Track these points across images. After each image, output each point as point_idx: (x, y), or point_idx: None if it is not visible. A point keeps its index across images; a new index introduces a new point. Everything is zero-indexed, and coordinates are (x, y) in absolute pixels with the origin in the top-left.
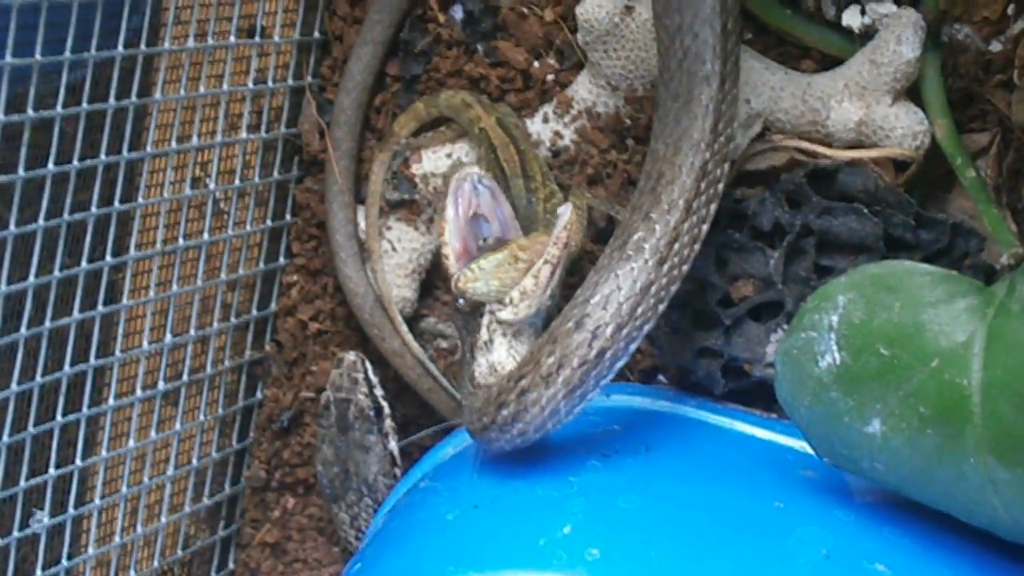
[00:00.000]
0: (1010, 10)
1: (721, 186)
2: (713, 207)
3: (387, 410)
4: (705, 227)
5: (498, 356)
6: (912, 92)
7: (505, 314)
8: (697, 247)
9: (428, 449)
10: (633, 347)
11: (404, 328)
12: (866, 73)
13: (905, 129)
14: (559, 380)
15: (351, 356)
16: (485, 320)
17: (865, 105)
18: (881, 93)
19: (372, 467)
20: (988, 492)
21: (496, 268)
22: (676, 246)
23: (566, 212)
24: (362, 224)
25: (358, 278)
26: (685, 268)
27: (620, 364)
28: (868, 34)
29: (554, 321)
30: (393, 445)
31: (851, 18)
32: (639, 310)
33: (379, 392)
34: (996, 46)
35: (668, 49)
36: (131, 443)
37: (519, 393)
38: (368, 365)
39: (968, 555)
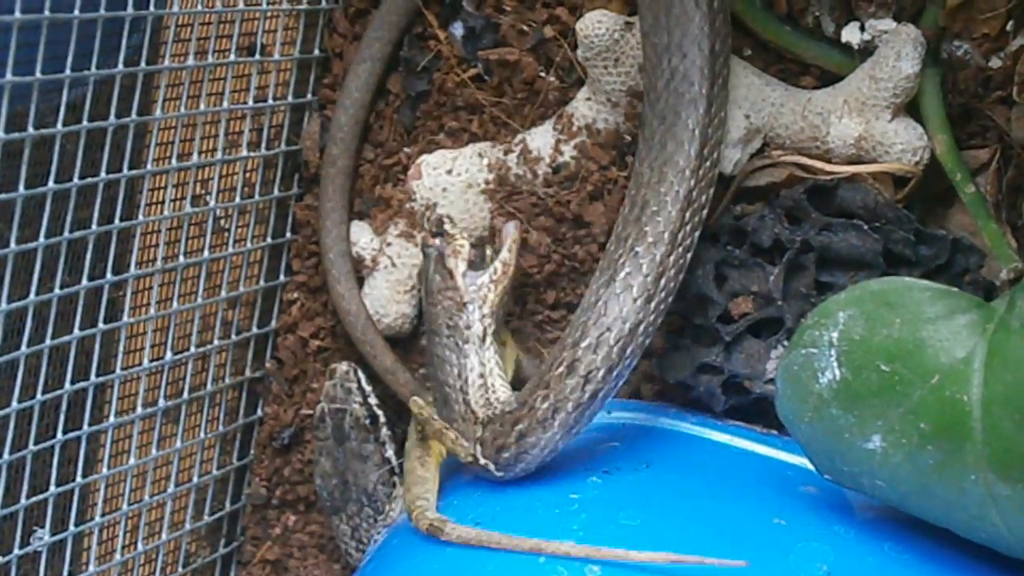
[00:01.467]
0: (1009, 26)
1: (705, 212)
2: (697, 234)
3: (383, 418)
4: (689, 255)
5: (478, 373)
6: (912, 108)
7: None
8: (681, 276)
9: None
10: (622, 381)
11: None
12: (866, 89)
13: (905, 145)
14: (555, 424)
15: (344, 366)
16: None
17: (865, 121)
18: (880, 109)
19: (371, 476)
20: (988, 508)
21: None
22: (663, 281)
23: (512, 230)
24: (357, 242)
25: (351, 296)
26: (671, 300)
27: (611, 396)
28: (867, 50)
29: (544, 364)
30: (391, 453)
31: (850, 34)
32: (628, 350)
33: (373, 401)
34: (996, 62)
35: (655, 68)
36: (132, 460)
37: (518, 437)
38: (361, 375)
39: (968, 571)
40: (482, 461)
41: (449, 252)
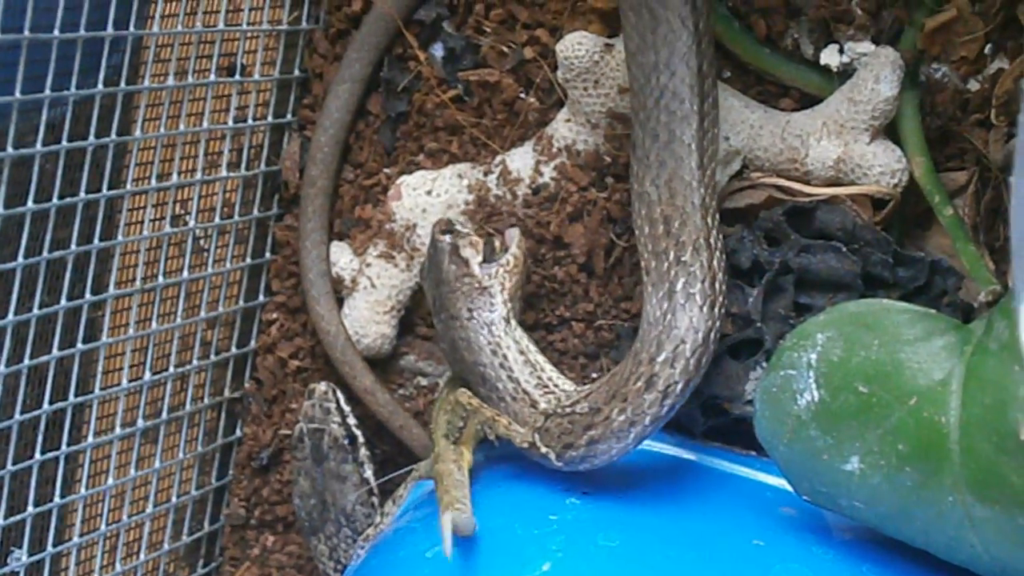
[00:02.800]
0: (987, 49)
1: (718, 217)
2: (722, 237)
3: (361, 439)
4: (724, 258)
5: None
6: (890, 130)
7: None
8: (726, 279)
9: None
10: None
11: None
12: (844, 111)
13: (883, 167)
14: (631, 436)
15: (322, 386)
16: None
17: (843, 143)
18: (859, 131)
19: (349, 497)
20: (966, 530)
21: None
22: (717, 285)
23: (516, 233)
24: (336, 263)
25: (330, 316)
26: (726, 303)
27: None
28: (846, 73)
29: (617, 375)
30: (369, 474)
31: (829, 57)
32: (703, 360)
33: (352, 421)
34: (974, 85)
35: (644, 87)
36: (110, 480)
37: (589, 442)
38: (340, 395)
39: None
40: (543, 449)
41: (464, 244)
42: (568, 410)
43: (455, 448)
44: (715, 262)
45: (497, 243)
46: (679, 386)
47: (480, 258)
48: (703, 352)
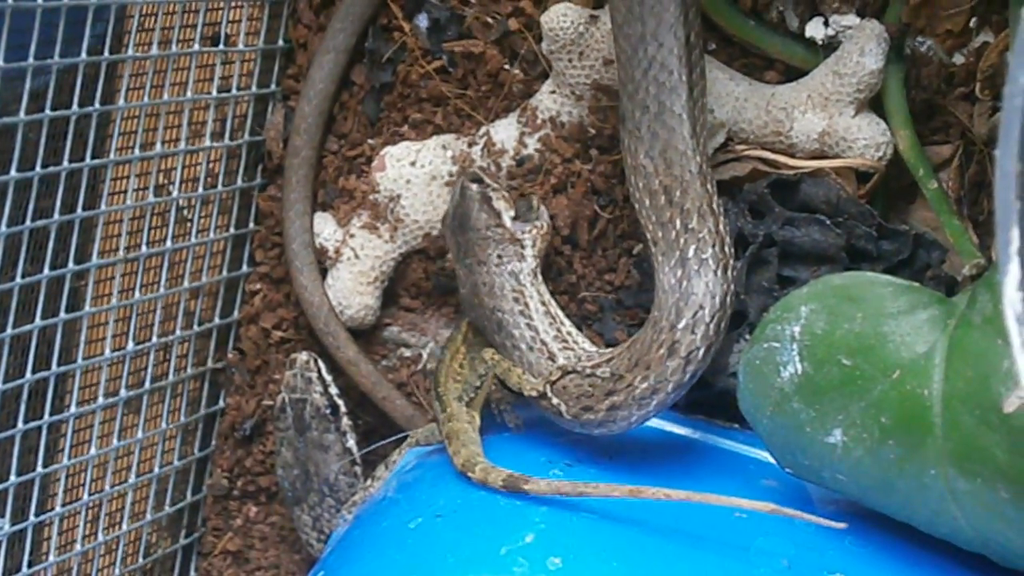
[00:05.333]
0: (972, 23)
1: (715, 183)
2: (721, 204)
3: (343, 408)
4: (727, 223)
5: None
6: (875, 104)
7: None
8: (732, 243)
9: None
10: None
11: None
12: (829, 84)
13: (868, 140)
14: (653, 403)
15: (303, 356)
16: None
17: (828, 116)
18: (844, 104)
19: (332, 466)
20: (948, 503)
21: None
22: (726, 248)
23: (544, 215)
24: (320, 233)
25: (313, 287)
26: (737, 267)
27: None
28: (831, 46)
29: (637, 342)
30: (352, 443)
31: (814, 30)
32: (722, 325)
33: (334, 390)
34: (959, 59)
35: (631, 59)
36: (93, 451)
37: (609, 407)
38: (321, 364)
39: (929, 565)
40: (554, 401)
41: (496, 196)
42: (589, 371)
43: (468, 410)
44: (721, 226)
45: (533, 202)
46: (700, 351)
47: (512, 213)
48: (721, 316)
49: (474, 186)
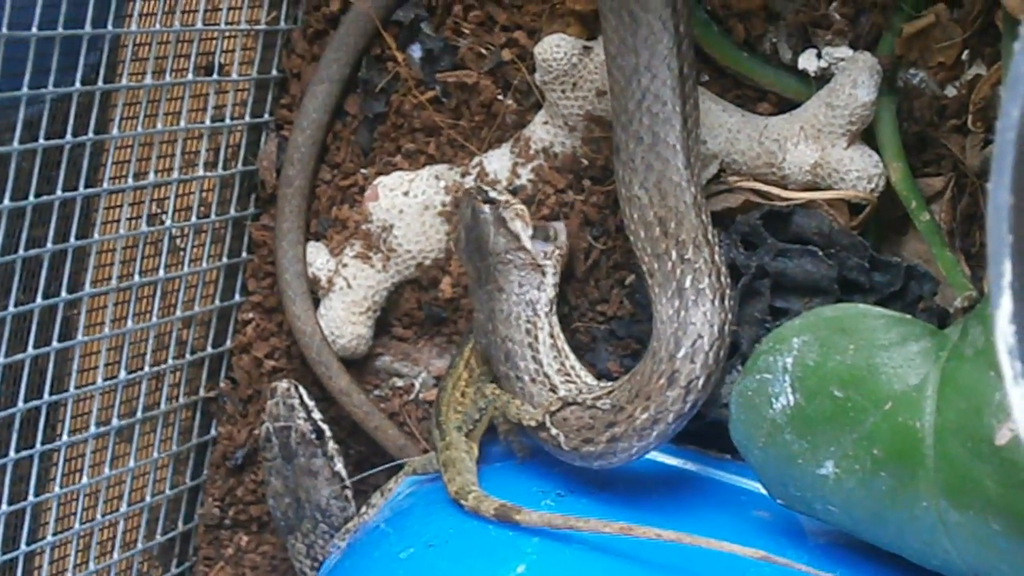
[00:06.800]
0: (964, 56)
1: (709, 214)
2: (716, 233)
3: (328, 432)
4: (722, 253)
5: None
6: (867, 136)
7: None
8: (728, 272)
9: (379, 487)
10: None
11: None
12: (822, 116)
13: (860, 172)
14: (653, 434)
15: (284, 384)
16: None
17: (820, 148)
18: (836, 136)
19: (323, 491)
20: (940, 534)
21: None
22: (723, 278)
23: (563, 230)
24: (312, 263)
25: (306, 317)
26: (734, 297)
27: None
28: (824, 78)
29: (637, 374)
30: (340, 467)
31: (807, 62)
32: (721, 354)
33: (317, 415)
34: (951, 91)
35: (625, 90)
36: (84, 479)
37: (610, 439)
38: (302, 390)
39: None
40: (553, 431)
41: (510, 215)
42: (589, 403)
43: (466, 440)
44: (716, 256)
45: (550, 230)
46: (700, 380)
47: (530, 231)
48: (720, 345)
49: (487, 208)
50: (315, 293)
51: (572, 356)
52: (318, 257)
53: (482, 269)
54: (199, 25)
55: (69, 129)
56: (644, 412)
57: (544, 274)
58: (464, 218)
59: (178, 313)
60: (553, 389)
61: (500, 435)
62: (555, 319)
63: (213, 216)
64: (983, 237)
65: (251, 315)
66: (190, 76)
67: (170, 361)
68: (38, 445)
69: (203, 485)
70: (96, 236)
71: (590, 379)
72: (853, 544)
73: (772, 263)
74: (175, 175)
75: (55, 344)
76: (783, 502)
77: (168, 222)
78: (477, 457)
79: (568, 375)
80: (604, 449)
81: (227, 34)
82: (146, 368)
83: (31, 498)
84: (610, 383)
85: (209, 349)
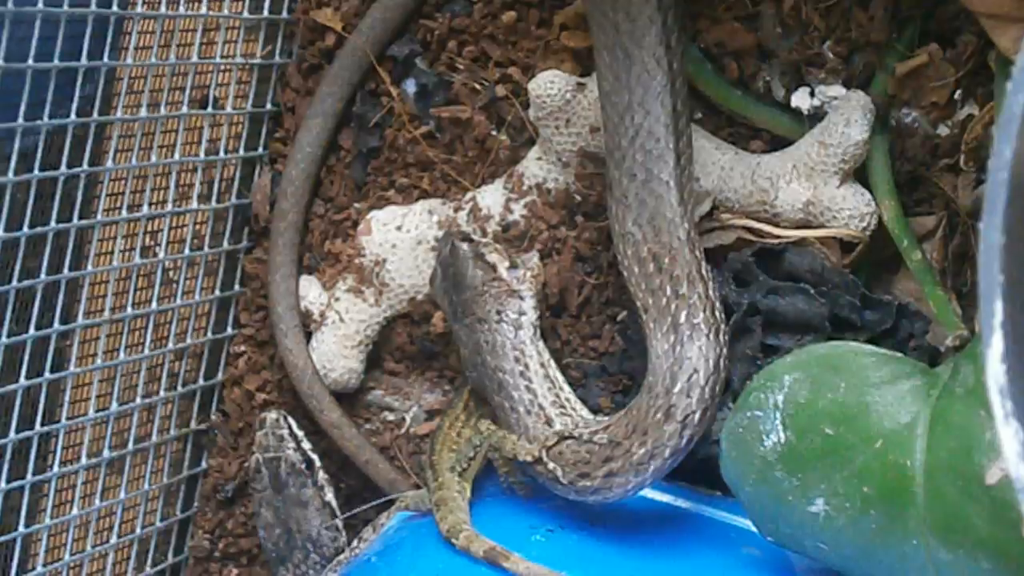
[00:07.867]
0: (957, 95)
1: (703, 250)
2: (709, 269)
3: (318, 462)
4: (716, 288)
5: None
6: (860, 174)
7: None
8: (722, 307)
9: (370, 522)
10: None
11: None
12: (815, 154)
13: (852, 210)
14: (650, 469)
15: (272, 414)
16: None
17: (813, 186)
18: (829, 174)
19: (313, 522)
20: (930, 573)
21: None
22: (717, 313)
23: (534, 256)
24: (305, 296)
25: (298, 350)
26: (728, 332)
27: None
28: (817, 116)
29: (633, 409)
30: (331, 496)
31: (800, 100)
32: (716, 388)
33: (307, 445)
34: (943, 130)
35: (618, 127)
36: (75, 510)
37: (607, 475)
38: (291, 421)
39: None
40: (550, 465)
41: (488, 250)
42: (586, 438)
43: (459, 480)
44: (710, 291)
45: (519, 259)
46: (696, 415)
47: (507, 263)
48: (716, 379)
49: (465, 245)
50: (307, 327)
51: (567, 388)
52: (310, 291)
53: (458, 303)
54: (194, 58)
55: (64, 161)
56: (641, 447)
57: (522, 298)
58: (442, 255)
59: (170, 345)
60: (548, 421)
61: (500, 477)
62: (542, 345)
63: (206, 249)
64: (974, 276)
65: (243, 348)
66: (185, 109)
67: (162, 393)
68: (29, 476)
69: (193, 517)
70: (89, 268)
71: (585, 412)
72: None
73: (764, 300)
74: (169, 207)
75: (47, 375)
76: (773, 539)
77: (161, 254)
78: (470, 497)
79: (563, 407)
80: (600, 484)
81: (222, 68)
82: (138, 400)
83: (21, 529)
84: (606, 418)
85: (201, 381)
